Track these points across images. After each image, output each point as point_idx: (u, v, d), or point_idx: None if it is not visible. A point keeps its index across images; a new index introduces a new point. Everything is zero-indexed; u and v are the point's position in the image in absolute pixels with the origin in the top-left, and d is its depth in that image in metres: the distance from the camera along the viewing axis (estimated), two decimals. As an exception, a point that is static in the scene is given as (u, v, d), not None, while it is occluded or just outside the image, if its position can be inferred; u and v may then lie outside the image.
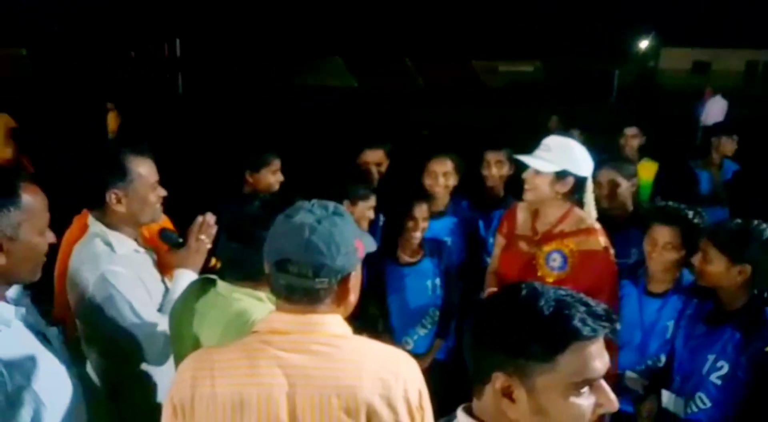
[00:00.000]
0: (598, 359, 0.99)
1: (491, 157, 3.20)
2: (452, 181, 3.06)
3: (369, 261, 2.64)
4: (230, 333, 1.42)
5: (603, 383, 1.01)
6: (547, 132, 2.47)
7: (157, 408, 1.40)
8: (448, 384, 2.53)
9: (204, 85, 24.69)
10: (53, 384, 1.37)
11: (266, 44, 31.07)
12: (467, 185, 3.18)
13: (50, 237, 1.46)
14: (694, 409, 2.08)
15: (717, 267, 2.02)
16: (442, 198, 3.06)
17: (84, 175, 1.95)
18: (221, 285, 1.57)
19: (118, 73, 23.36)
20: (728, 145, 4.35)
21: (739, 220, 2.06)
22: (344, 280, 1.28)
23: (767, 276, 1.98)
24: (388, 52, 31.88)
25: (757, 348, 1.93)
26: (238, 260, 1.54)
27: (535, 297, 1.01)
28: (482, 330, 1.05)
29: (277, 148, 3.25)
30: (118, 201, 1.90)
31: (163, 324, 1.82)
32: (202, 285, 1.65)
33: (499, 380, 1.01)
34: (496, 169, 3.19)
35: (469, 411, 1.09)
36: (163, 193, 2.01)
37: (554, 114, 7.06)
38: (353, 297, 1.33)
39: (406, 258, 2.77)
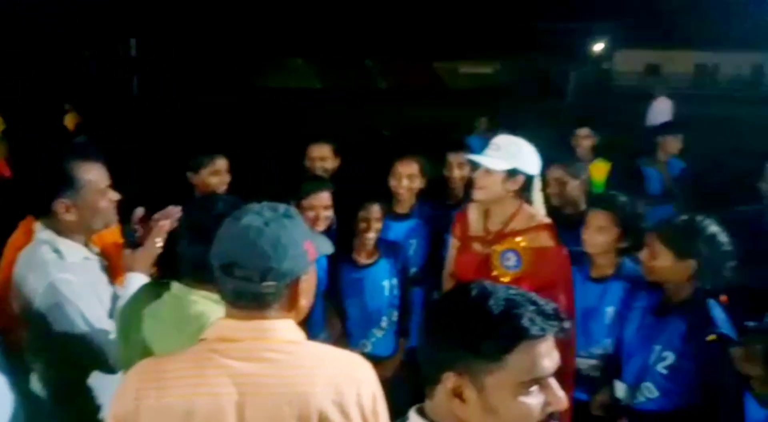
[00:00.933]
0: (547, 358, 1.01)
1: (453, 158, 3.21)
2: (417, 184, 3.03)
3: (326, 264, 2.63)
4: (183, 338, 1.38)
5: (552, 382, 1.02)
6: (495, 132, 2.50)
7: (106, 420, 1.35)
8: (409, 384, 2.54)
9: (160, 86, 24.16)
10: None
11: (226, 45, 30.59)
12: (431, 186, 3.18)
13: None
14: (642, 399, 2.14)
15: (663, 262, 2.07)
16: (406, 200, 3.03)
17: (31, 184, 1.88)
18: (177, 287, 1.53)
19: (73, 73, 22.64)
20: (673, 143, 4.46)
21: (684, 216, 2.12)
22: (293, 284, 1.25)
23: (711, 270, 2.03)
24: (349, 54, 31.82)
25: (701, 339, 1.99)
26: (199, 262, 1.47)
27: (485, 296, 1.02)
28: (433, 330, 1.06)
29: (234, 149, 3.20)
30: (68, 210, 1.84)
31: (115, 331, 1.77)
32: (154, 289, 1.60)
33: (450, 380, 1.02)
34: (458, 170, 3.20)
35: (422, 412, 1.09)
36: (115, 196, 1.95)
37: (483, 115, 7.16)
38: (305, 301, 1.30)
39: (362, 260, 2.75)
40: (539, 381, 1.01)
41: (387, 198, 2.84)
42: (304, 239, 1.27)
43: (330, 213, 2.69)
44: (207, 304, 1.49)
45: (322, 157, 3.32)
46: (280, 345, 1.22)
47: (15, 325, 1.87)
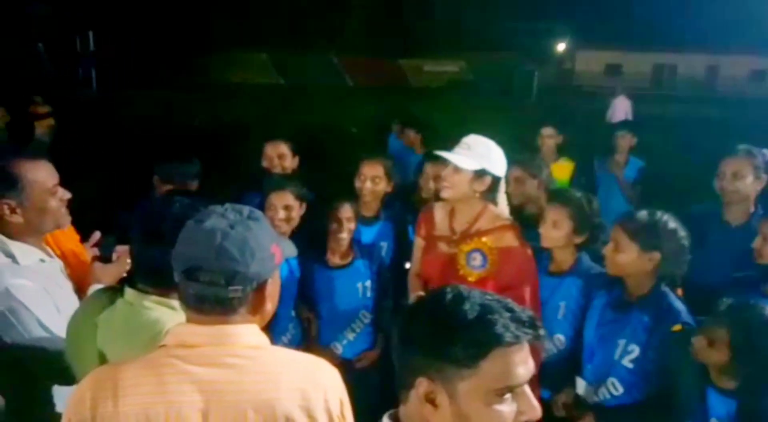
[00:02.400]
0: (521, 366, 0.99)
1: (431, 169, 3.14)
2: (382, 186, 2.99)
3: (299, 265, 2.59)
4: (138, 345, 1.33)
5: (526, 390, 1.01)
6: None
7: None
8: (379, 388, 2.53)
9: (120, 80, 23.53)
10: None
11: (187, 39, 29.97)
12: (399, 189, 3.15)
13: None
14: (607, 395, 2.17)
15: (628, 255, 2.12)
16: (372, 202, 2.99)
17: None
18: (130, 294, 1.46)
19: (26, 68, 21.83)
20: (629, 140, 4.55)
21: (646, 211, 2.17)
22: (260, 288, 1.22)
23: (673, 263, 2.10)
24: (314, 49, 31.58)
25: (664, 329, 2.04)
26: (156, 266, 1.42)
27: (460, 301, 1.00)
28: (407, 334, 1.04)
29: (195, 145, 3.13)
30: (12, 211, 1.76)
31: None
32: (105, 296, 1.53)
33: (422, 385, 1.00)
34: (433, 182, 3.12)
35: (395, 418, 1.07)
36: (66, 195, 1.87)
37: (448, 113, 7.13)
38: (270, 305, 1.27)
39: (335, 260, 2.71)
40: (513, 389, 0.99)
41: (350, 197, 2.80)
42: (270, 242, 1.23)
43: (295, 213, 2.62)
44: (162, 310, 1.43)
45: (280, 154, 3.25)
46: (244, 351, 1.19)
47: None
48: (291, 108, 17.34)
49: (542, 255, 2.53)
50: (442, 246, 2.50)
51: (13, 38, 23.10)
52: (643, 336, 2.09)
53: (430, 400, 1.00)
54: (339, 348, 2.73)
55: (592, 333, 2.26)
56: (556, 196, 2.58)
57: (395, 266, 2.96)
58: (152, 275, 1.45)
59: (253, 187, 3.00)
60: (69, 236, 2.12)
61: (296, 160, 3.33)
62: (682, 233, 2.11)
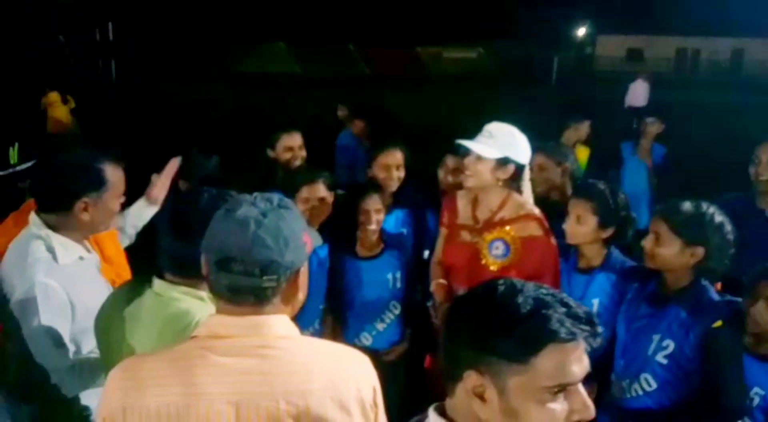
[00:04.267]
0: (576, 364, 0.95)
1: (451, 162, 3.04)
2: (402, 173, 2.97)
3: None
4: (167, 337, 1.32)
5: (580, 388, 0.97)
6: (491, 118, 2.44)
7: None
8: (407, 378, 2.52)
9: (139, 71, 23.72)
10: None
11: (205, 29, 30.08)
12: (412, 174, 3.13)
13: None
14: (639, 392, 2.10)
15: (670, 249, 2.01)
16: (391, 190, 2.96)
17: (57, 180, 1.80)
18: (158, 285, 1.46)
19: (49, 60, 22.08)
20: (657, 126, 4.51)
21: (689, 202, 2.05)
22: (293, 277, 1.20)
23: (718, 259, 2.00)
24: (331, 38, 31.48)
25: (705, 325, 1.96)
26: (184, 258, 1.42)
27: (513, 293, 0.97)
28: (457, 326, 1.01)
29: (214, 135, 3.14)
30: (85, 209, 1.79)
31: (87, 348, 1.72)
32: (133, 288, 1.52)
33: (470, 379, 0.97)
34: (452, 176, 3.03)
35: (441, 411, 1.05)
36: (122, 200, 1.93)
37: (466, 102, 7.03)
38: (302, 295, 1.25)
39: (364, 252, 2.69)
40: (566, 388, 0.95)
41: (376, 187, 2.78)
42: (302, 230, 1.21)
43: (327, 204, 2.64)
44: (191, 301, 1.43)
45: (300, 146, 3.22)
46: (276, 341, 1.17)
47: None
48: (306, 97, 17.34)
49: (570, 252, 2.46)
50: (465, 235, 2.48)
51: (37, 30, 23.39)
52: (679, 332, 2.01)
53: (478, 394, 0.98)
54: (369, 339, 2.72)
55: (625, 327, 2.18)
56: (579, 190, 2.49)
57: (414, 254, 2.95)
58: (180, 267, 1.44)
59: (268, 182, 2.99)
60: (111, 235, 2.14)
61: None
62: (729, 227, 1.99)
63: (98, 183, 1.81)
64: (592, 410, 0.97)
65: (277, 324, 1.19)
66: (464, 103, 13.89)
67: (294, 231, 1.18)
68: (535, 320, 0.94)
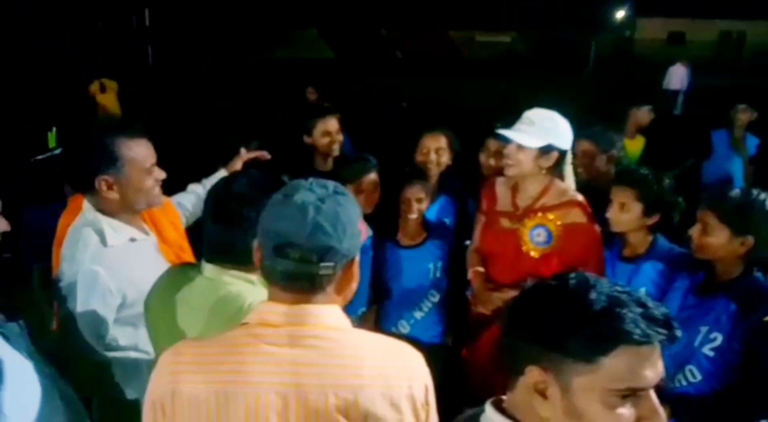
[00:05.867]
0: (650, 368, 0.90)
1: (493, 146, 2.96)
2: (446, 158, 2.92)
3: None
4: (219, 321, 1.32)
5: (651, 394, 0.92)
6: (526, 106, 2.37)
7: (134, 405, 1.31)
8: (444, 367, 2.50)
9: (175, 57, 24.03)
10: (16, 388, 1.22)
11: (239, 15, 30.24)
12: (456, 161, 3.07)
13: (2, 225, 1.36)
14: (683, 383, 2.06)
15: (718, 239, 1.96)
16: (434, 176, 2.91)
17: (71, 160, 1.83)
18: (209, 269, 1.46)
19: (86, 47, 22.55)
20: (747, 114, 4.37)
21: (737, 190, 1.99)
22: (349, 265, 1.18)
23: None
24: (363, 23, 31.30)
25: (756, 319, 1.89)
26: (224, 243, 1.43)
27: (586, 289, 0.92)
28: (521, 319, 0.97)
29: (247, 120, 3.14)
30: (109, 187, 1.79)
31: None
32: (182, 272, 1.52)
33: (532, 374, 0.94)
34: (494, 159, 2.97)
35: (498, 406, 1.02)
36: (162, 175, 1.89)
37: (501, 86, 6.87)
38: (355, 284, 1.23)
39: (406, 240, 2.68)
40: (636, 392, 0.90)
41: (419, 176, 2.73)
42: (358, 217, 1.19)
43: (377, 193, 2.64)
44: (242, 285, 1.43)
45: (338, 130, 3.14)
46: (326, 332, 1.15)
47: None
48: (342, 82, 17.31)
49: (614, 240, 2.41)
50: (504, 222, 2.44)
51: (75, 16, 23.83)
52: (728, 324, 1.95)
53: (540, 391, 0.94)
54: (406, 327, 2.71)
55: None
56: (621, 176, 2.42)
57: (456, 243, 2.92)
58: (222, 252, 1.44)
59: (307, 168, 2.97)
60: (166, 210, 2.12)
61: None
62: None
63: (111, 159, 1.77)
64: (663, 418, 0.92)
65: (329, 315, 1.17)
66: (498, 88, 13.65)
67: (351, 218, 1.16)
68: (608, 319, 0.89)
